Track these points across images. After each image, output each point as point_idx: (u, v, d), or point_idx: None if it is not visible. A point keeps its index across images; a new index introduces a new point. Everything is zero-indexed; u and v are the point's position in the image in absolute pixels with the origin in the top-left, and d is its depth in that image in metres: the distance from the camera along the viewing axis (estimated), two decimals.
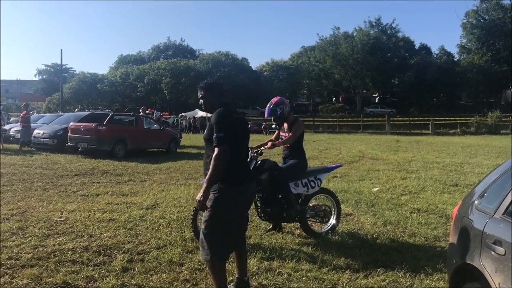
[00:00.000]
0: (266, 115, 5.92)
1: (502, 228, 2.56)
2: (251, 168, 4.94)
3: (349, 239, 5.81)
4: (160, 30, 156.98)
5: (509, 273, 2.39)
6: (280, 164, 5.80)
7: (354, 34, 57.96)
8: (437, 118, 44.38)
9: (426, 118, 44.75)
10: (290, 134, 5.76)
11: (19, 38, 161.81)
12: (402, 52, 56.14)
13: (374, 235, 6.02)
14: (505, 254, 2.45)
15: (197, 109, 41.84)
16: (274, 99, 5.89)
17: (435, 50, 63.11)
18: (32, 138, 17.06)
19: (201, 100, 3.84)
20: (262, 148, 5.61)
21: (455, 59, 59.81)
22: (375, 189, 9.44)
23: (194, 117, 44.19)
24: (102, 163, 13.49)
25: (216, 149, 3.41)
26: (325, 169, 6.25)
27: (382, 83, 59.53)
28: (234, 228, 3.69)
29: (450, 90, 55.92)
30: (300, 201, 5.81)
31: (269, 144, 5.63)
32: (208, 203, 3.49)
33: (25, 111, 17.76)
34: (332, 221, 6.07)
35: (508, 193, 2.66)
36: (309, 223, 5.95)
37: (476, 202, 2.98)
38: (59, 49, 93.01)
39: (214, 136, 3.45)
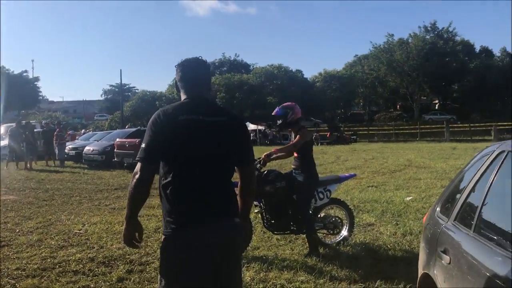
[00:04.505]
0: (274, 113, 5.64)
1: (449, 236, 2.41)
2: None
3: (361, 250, 5.63)
4: (215, 47, 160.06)
5: (453, 282, 2.23)
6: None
7: (409, 40, 56.45)
8: (500, 123, 42.03)
9: (488, 124, 42.53)
10: (293, 142, 5.59)
11: (86, 61, 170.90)
12: (461, 56, 53.93)
13: (389, 246, 5.79)
14: (450, 263, 2.29)
15: (248, 122, 42.10)
16: (287, 103, 5.74)
17: (497, 52, 60.27)
18: (83, 154, 17.88)
19: None
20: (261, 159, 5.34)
21: None
22: (408, 198, 9.09)
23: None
24: None
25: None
26: (336, 179, 6.08)
27: (441, 89, 57.50)
28: None
29: None
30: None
31: (265, 155, 5.38)
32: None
33: (58, 129, 18.62)
34: (344, 232, 5.90)
35: (460, 198, 2.49)
36: (320, 235, 5.82)
37: (437, 209, 2.81)
38: (122, 70, 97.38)
39: None
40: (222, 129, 2.41)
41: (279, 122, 5.60)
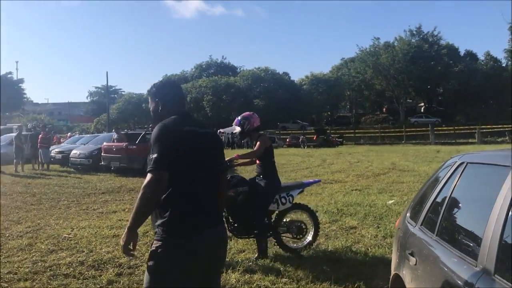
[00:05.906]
0: (234, 123, 5.85)
1: (416, 239, 2.62)
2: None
3: (342, 252, 5.84)
4: (202, 49, 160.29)
5: (418, 282, 2.44)
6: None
7: (395, 44, 57.12)
8: (484, 126, 42.77)
9: (472, 127, 43.25)
10: (254, 149, 5.76)
11: (71, 63, 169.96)
12: (446, 59, 54.66)
13: (370, 248, 6.01)
14: (416, 264, 2.50)
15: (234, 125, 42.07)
16: (245, 114, 5.90)
17: (481, 56, 61.25)
18: (70, 158, 17.88)
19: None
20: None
21: (503, 65, 57.71)
22: (390, 202, 9.34)
23: (232, 133, 44.47)
24: (131, 181, 14.00)
25: (147, 175, 2.35)
26: (300, 184, 6.22)
27: (426, 92, 58.32)
28: None
29: (499, 97, 53.94)
30: (274, 217, 5.89)
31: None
32: (149, 261, 2.46)
33: (43, 132, 18.35)
34: (309, 238, 6.04)
35: (426, 204, 2.71)
36: (286, 239, 5.97)
37: (408, 214, 3.03)
38: (109, 72, 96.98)
39: (148, 159, 2.43)
40: (211, 139, 2.67)
41: (238, 131, 5.82)
